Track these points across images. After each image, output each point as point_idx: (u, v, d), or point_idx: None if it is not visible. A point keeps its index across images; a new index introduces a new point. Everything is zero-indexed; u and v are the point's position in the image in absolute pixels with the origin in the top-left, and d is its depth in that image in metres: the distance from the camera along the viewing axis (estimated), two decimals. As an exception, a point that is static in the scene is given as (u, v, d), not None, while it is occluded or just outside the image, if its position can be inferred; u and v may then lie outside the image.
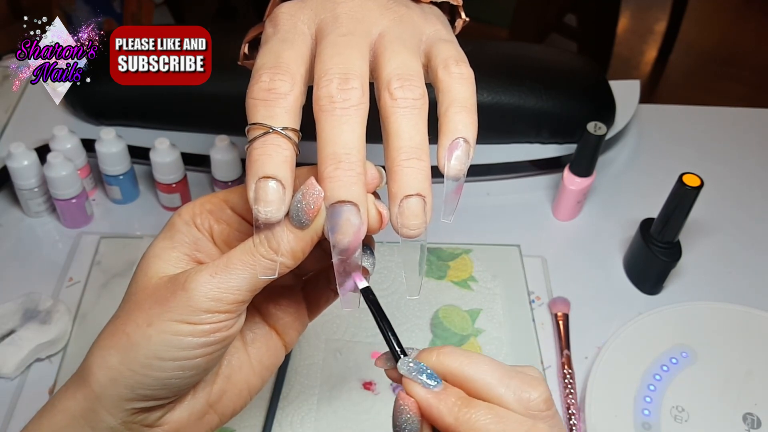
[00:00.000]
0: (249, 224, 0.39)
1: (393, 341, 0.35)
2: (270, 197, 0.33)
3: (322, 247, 0.36)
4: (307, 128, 0.35)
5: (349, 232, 0.33)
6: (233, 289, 0.34)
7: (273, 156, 0.33)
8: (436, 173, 0.35)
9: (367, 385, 0.59)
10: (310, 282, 0.44)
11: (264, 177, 0.33)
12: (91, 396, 0.35)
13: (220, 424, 0.40)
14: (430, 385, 0.33)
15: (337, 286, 0.35)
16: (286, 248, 0.34)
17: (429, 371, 0.33)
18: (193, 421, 0.38)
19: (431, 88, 0.37)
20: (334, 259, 0.34)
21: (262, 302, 0.42)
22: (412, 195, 0.33)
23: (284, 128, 0.33)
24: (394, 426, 0.33)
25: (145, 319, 0.34)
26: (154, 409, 0.37)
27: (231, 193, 0.39)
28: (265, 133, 0.33)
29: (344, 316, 0.63)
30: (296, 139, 0.34)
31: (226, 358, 0.40)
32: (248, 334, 0.41)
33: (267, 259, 0.34)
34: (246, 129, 0.34)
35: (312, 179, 0.34)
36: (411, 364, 0.34)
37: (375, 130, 0.36)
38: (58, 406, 0.36)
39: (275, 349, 0.42)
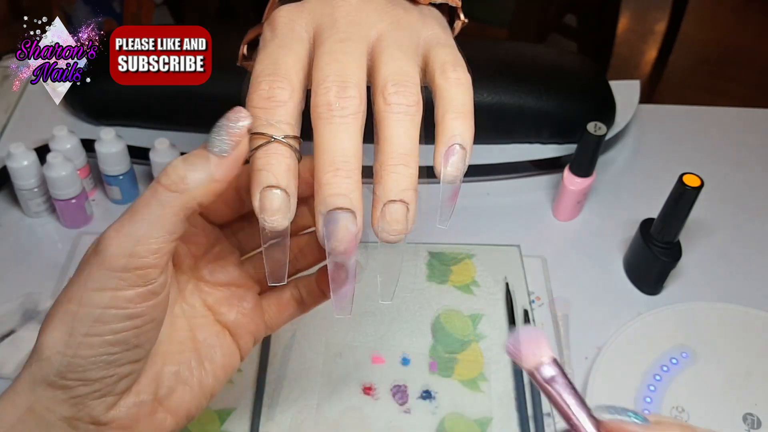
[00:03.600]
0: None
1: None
2: (275, 206, 0.33)
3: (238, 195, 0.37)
4: (309, 129, 0.35)
5: (345, 239, 0.33)
6: (141, 239, 0.33)
7: (276, 165, 0.33)
8: (433, 175, 0.35)
9: (367, 390, 0.59)
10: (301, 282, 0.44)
11: (268, 187, 0.33)
12: (28, 391, 0.34)
13: (176, 426, 0.39)
14: (637, 421, 0.30)
15: (332, 293, 0.35)
16: (197, 179, 0.33)
17: (631, 410, 0.31)
18: (143, 417, 0.37)
19: (427, 90, 0.37)
20: (329, 266, 0.34)
21: (209, 297, 0.41)
22: (395, 201, 0.33)
23: (285, 136, 0.34)
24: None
25: (69, 298, 0.34)
26: (94, 397, 0.35)
27: None
28: (267, 143, 0.33)
29: (344, 319, 0.63)
30: (297, 146, 0.34)
31: (174, 354, 0.39)
32: (197, 329, 0.40)
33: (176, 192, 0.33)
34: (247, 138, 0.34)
35: (239, 108, 0.34)
36: (610, 408, 0.31)
37: (371, 131, 0.36)
38: (12, 398, 0.35)
39: (228, 348, 0.41)
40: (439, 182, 0.36)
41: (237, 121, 0.33)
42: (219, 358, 0.41)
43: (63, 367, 0.33)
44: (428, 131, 0.36)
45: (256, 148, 0.33)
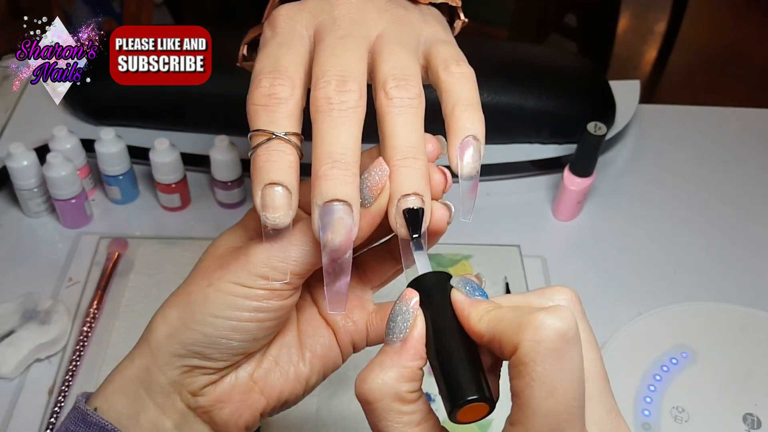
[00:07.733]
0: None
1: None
2: (277, 203, 0.33)
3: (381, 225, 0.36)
4: (309, 130, 0.35)
5: (341, 231, 0.32)
6: (289, 259, 0.35)
7: (277, 162, 0.33)
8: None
9: (367, 387, 0.59)
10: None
11: (270, 183, 0.33)
12: (148, 354, 0.37)
13: (267, 408, 0.39)
14: (476, 294, 0.32)
15: (325, 288, 0.34)
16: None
17: (480, 288, 0.32)
18: (236, 395, 0.38)
19: (430, 90, 0.37)
20: (324, 259, 0.33)
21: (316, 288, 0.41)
22: (409, 195, 0.33)
23: (287, 133, 0.33)
24: (389, 316, 0.32)
25: (206, 280, 0.36)
26: (202, 372, 0.37)
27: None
28: (268, 140, 0.33)
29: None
30: (299, 143, 0.34)
31: (277, 338, 0.40)
32: (303, 319, 0.41)
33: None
34: (249, 135, 0.34)
35: (380, 158, 0.34)
36: (462, 280, 0.32)
37: (374, 131, 0.36)
38: (121, 371, 0.38)
39: (330, 343, 0.41)
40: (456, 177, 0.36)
41: (383, 173, 0.34)
42: (319, 349, 0.41)
43: (187, 339, 0.36)
44: (437, 131, 0.36)
45: (258, 146, 0.33)
